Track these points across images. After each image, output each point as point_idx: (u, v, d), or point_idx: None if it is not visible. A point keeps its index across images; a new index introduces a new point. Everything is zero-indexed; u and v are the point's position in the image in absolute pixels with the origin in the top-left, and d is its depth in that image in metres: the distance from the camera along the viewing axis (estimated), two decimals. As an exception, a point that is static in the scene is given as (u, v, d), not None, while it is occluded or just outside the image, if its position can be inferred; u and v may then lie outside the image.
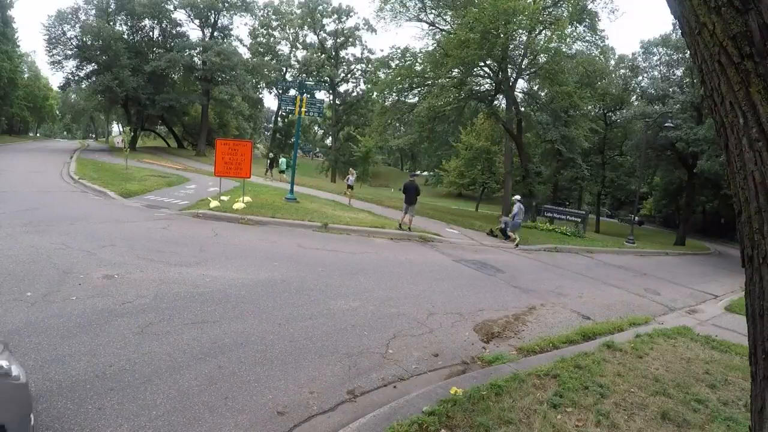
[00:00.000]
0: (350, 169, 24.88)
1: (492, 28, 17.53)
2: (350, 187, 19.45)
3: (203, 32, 41.08)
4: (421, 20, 24.37)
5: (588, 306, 7.98)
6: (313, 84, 38.36)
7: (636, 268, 13.92)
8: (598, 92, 26.14)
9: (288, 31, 49.66)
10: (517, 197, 15.82)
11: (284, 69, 49.32)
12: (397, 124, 33.77)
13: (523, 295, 7.98)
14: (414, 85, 22.59)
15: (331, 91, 48.61)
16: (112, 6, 36.09)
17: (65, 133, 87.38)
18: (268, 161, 28.54)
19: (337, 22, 48.40)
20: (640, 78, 31.21)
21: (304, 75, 46.19)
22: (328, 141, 58.77)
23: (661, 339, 6.04)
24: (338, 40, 48.63)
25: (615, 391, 4.15)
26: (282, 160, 28.04)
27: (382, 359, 4.61)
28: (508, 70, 21.61)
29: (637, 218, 50.59)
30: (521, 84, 24.08)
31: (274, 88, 49.00)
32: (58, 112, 67.92)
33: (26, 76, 52.18)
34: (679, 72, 28.74)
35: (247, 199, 13.07)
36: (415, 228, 13.26)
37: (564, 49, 20.36)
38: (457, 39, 18.47)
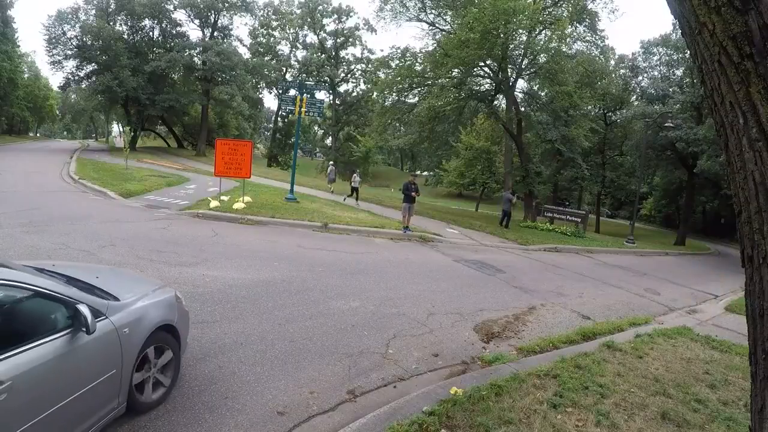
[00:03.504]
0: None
1: (492, 28, 17.52)
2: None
3: (203, 32, 41.04)
4: (421, 20, 24.36)
5: (588, 306, 7.98)
6: (313, 84, 38.26)
7: (636, 268, 13.92)
8: (598, 92, 26.08)
9: (288, 31, 49.58)
10: (331, 162, 19.90)
11: (284, 69, 49.22)
12: (397, 124, 33.69)
13: (524, 295, 7.98)
14: (414, 85, 22.56)
15: (331, 91, 48.54)
16: (112, 6, 36.02)
17: (65, 133, 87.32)
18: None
19: (337, 22, 48.35)
20: (640, 78, 31.20)
21: (304, 75, 46.10)
22: (328, 141, 58.72)
23: (661, 339, 6.04)
24: (338, 40, 48.56)
25: (615, 391, 4.15)
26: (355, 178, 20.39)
27: (382, 359, 4.61)
28: (508, 70, 21.59)
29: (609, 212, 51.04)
30: (521, 84, 24.09)
31: (274, 88, 48.92)
32: (58, 112, 67.87)
33: (26, 76, 52.06)
34: (679, 72, 28.71)
35: (247, 199, 13.08)
36: (415, 228, 13.26)
37: (564, 49, 20.35)
38: (457, 39, 18.45)
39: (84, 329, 2.46)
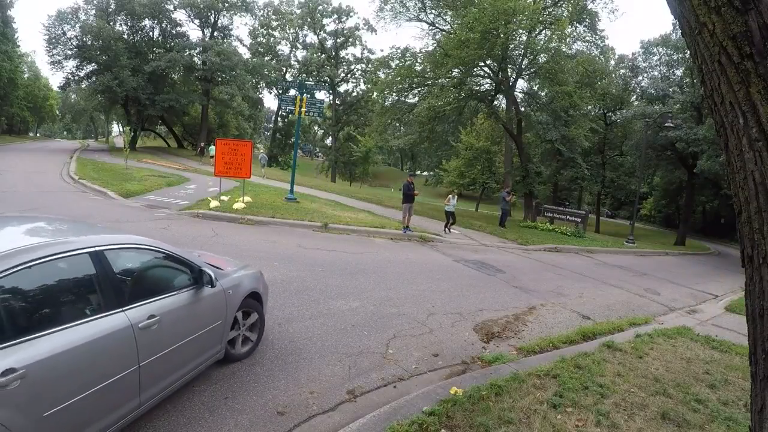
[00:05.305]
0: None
1: (492, 28, 17.53)
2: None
3: (203, 32, 41.04)
4: (421, 20, 24.38)
5: (588, 306, 7.98)
6: (313, 84, 38.30)
7: (636, 268, 13.91)
8: (598, 92, 26.09)
9: (288, 31, 49.58)
10: (262, 151, 21.86)
11: (284, 69, 49.21)
12: (397, 124, 33.73)
13: (524, 295, 7.98)
14: (414, 85, 22.57)
15: (331, 91, 48.53)
16: (112, 6, 35.97)
17: (65, 133, 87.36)
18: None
19: (337, 22, 48.34)
20: (640, 78, 31.21)
21: (304, 75, 46.08)
22: (328, 141, 58.71)
23: (661, 339, 6.04)
24: (338, 40, 48.57)
25: (615, 391, 4.15)
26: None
27: (382, 359, 4.61)
28: (508, 70, 21.60)
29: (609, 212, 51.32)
30: (521, 84, 24.10)
31: (274, 88, 48.90)
32: (58, 112, 67.88)
33: (26, 76, 52.06)
34: (679, 72, 28.72)
35: (247, 199, 13.07)
36: (415, 228, 13.26)
37: (564, 49, 20.36)
38: (457, 39, 18.46)
39: (209, 285, 3.36)
